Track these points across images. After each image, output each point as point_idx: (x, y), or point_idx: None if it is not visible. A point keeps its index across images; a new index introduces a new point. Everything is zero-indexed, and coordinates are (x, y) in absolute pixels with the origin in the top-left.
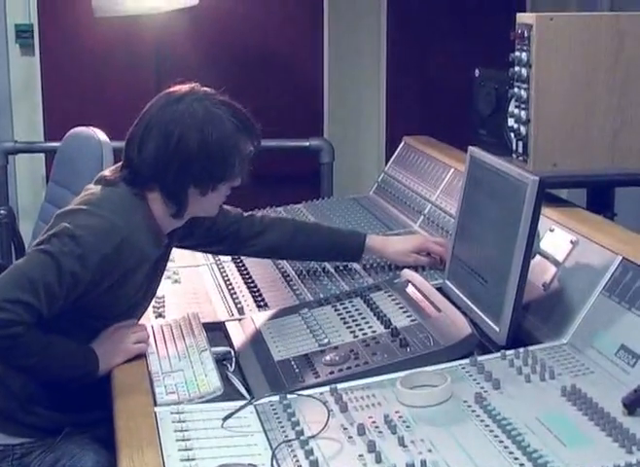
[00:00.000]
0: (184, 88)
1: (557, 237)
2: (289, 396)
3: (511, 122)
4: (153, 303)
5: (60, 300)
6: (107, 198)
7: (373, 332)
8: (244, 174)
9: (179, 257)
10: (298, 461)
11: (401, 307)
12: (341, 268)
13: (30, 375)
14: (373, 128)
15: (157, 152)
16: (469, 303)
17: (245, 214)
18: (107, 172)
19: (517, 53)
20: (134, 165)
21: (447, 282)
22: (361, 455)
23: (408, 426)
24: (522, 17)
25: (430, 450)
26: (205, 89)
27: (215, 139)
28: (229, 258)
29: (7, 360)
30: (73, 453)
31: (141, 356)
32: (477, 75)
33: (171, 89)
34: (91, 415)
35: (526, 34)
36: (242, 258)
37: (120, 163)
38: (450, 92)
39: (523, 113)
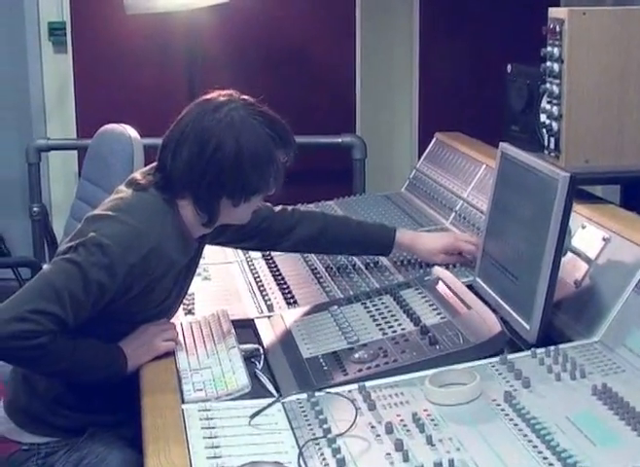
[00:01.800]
0: (222, 95)
1: (589, 234)
2: (317, 394)
3: (543, 117)
4: (183, 300)
5: (87, 309)
6: (136, 205)
7: (403, 329)
8: (278, 186)
9: (209, 254)
10: (325, 459)
11: (430, 305)
12: (372, 264)
13: (59, 379)
14: (405, 125)
15: (191, 160)
16: (499, 300)
17: (276, 209)
18: (138, 175)
19: (549, 49)
20: (167, 171)
21: (478, 279)
22: (388, 454)
23: (436, 425)
24: (554, 12)
25: (458, 449)
26: (244, 97)
27: (251, 151)
28: (259, 255)
29: (35, 369)
30: (98, 452)
31: (169, 354)
32: (509, 71)
33: (209, 97)
34: (117, 416)
35: (558, 29)
36: (272, 255)
37: (152, 165)
38: (483, 88)
39: (555, 108)
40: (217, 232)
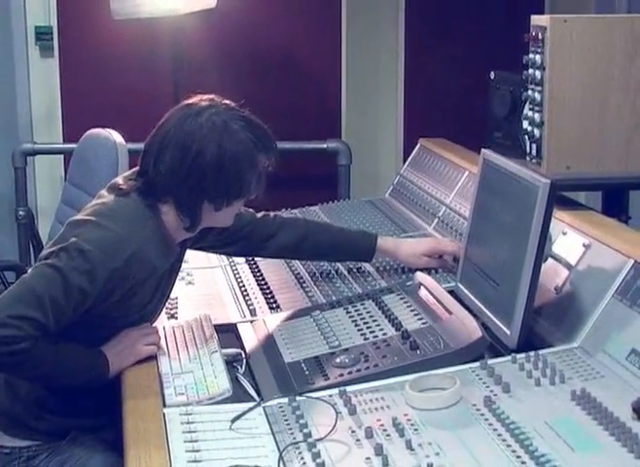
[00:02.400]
0: (204, 100)
1: (570, 241)
2: (298, 398)
3: (525, 124)
4: (166, 304)
5: (68, 314)
6: (118, 210)
7: (384, 334)
8: (260, 190)
9: (193, 258)
10: (305, 464)
11: (412, 310)
12: (354, 270)
13: (41, 383)
14: (390, 131)
15: (173, 165)
16: (480, 305)
17: (258, 215)
18: (120, 180)
19: (532, 56)
20: (149, 176)
21: (460, 285)
22: (368, 458)
23: (416, 429)
24: (537, 20)
25: (437, 454)
26: (225, 102)
27: (233, 155)
28: (242, 260)
29: (17, 374)
30: (79, 456)
31: (152, 358)
32: (492, 78)
33: (191, 101)
34: (99, 420)
35: (540, 36)
36: (256, 260)
37: (134, 170)
38: (467, 95)
39: (537, 115)
40: (199, 236)
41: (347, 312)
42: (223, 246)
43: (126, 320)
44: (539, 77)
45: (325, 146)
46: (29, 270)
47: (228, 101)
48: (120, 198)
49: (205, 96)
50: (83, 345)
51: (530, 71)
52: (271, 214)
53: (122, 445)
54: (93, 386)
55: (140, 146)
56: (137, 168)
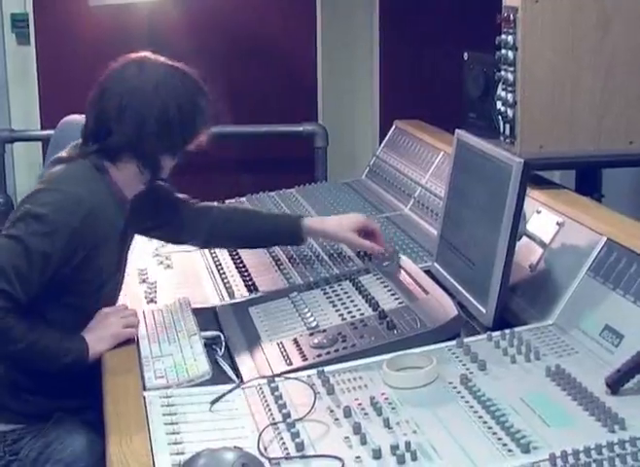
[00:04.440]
0: (138, 58)
1: (544, 219)
2: (277, 379)
3: (498, 105)
4: (145, 288)
5: (34, 281)
6: (66, 174)
7: (362, 315)
8: (208, 132)
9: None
10: (284, 444)
11: (389, 290)
12: (332, 252)
13: (20, 364)
14: (366, 113)
15: (136, 126)
16: (456, 285)
17: (187, 201)
18: (63, 153)
19: (504, 36)
20: (109, 139)
21: (436, 264)
22: (347, 437)
23: (393, 408)
24: (508, 0)
25: (415, 432)
26: (158, 56)
27: (187, 104)
28: None
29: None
30: (63, 438)
31: (131, 341)
32: (465, 58)
33: (126, 61)
34: (81, 401)
35: (512, 17)
36: None
37: (75, 143)
38: (442, 76)
39: (510, 96)
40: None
41: (325, 293)
42: (148, 230)
43: (91, 285)
44: (511, 57)
45: (301, 129)
46: None
47: (157, 55)
48: (66, 165)
49: (137, 54)
50: (57, 328)
51: (503, 52)
52: (198, 202)
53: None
54: (73, 370)
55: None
56: (80, 141)
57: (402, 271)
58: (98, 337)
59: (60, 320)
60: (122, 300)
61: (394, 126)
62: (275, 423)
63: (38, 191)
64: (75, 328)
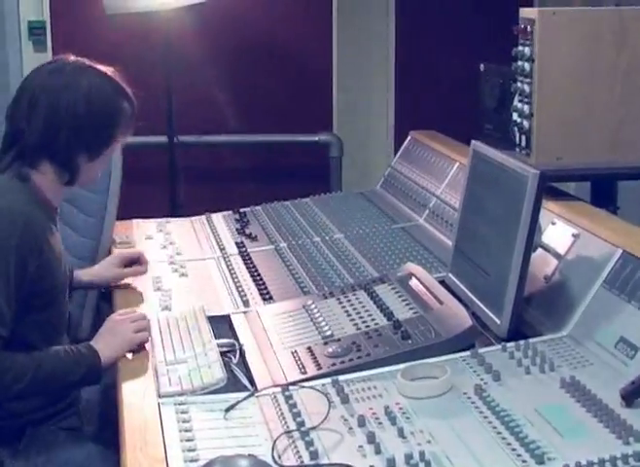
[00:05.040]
0: (55, 61)
1: (559, 231)
2: (291, 388)
3: (514, 116)
4: (159, 295)
5: (4, 310)
6: None
7: (376, 324)
8: (127, 135)
9: (186, 250)
10: (298, 452)
11: (403, 300)
12: (347, 261)
13: (33, 394)
14: (381, 123)
15: (46, 123)
16: (471, 295)
17: None
18: None
19: (520, 48)
20: (22, 142)
21: (450, 275)
22: (361, 446)
23: (407, 418)
24: (525, 12)
25: (429, 442)
26: (76, 58)
27: (100, 105)
28: (235, 251)
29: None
30: (48, 457)
31: (146, 347)
32: (482, 70)
33: (44, 64)
34: (51, 409)
35: (529, 29)
36: (249, 251)
37: None
38: (459, 87)
39: (526, 107)
40: None
41: (339, 302)
42: None
43: (51, 294)
44: (528, 69)
45: (316, 139)
46: None
47: (78, 58)
48: None
49: (55, 58)
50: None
51: (519, 63)
52: None
53: (100, 434)
54: (90, 382)
55: (134, 140)
56: (0, 145)
57: (416, 281)
58: (109, 343)
59: (38, 340)
60: (138, 307)
61: (409, 137)
62: (289, 432)
63: None
64: (49, 343)
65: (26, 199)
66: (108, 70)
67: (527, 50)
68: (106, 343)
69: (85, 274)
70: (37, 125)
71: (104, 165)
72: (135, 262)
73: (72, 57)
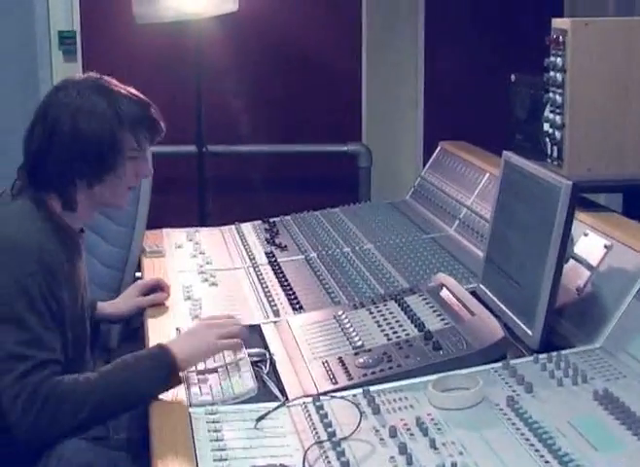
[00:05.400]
0: (79, 78)
1: (591, 242)
2: (322, 398)
3: (546, 126)
4: (189, 305)
5: (48, 336)
6: (5, 216)
7: (407, 335)
8: (141, 168)
9: (216, 260)
10: (329, 462)
11: (434, 311)
12: (377, 272)
13: (112, 414)
14: (410, 133)
15: (39, 144)
16: (502, 306)
17: None
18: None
19: (552, 59)
20: (30, 165)
21: (481, 286)
22: (392, 457)
23: (439, 429)
24: (557, 23)
25: (461, 453)
26: (99, 77)
27: (87, 132)
28: (265, 261)
29: (71, 423)
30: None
31: None
32: (513, 80)
33: (64, 82)
34: None
35: (561, 39)
36: (278, 260)
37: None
38: (488, 97)
39: (558, 118)
40: None
41: (370, 313)
42: None
43: (80, 308)
44: (560, 79)
45: (346, 148)
46: None
47: (103, 76)
48: (4, 207)
49: (82, 75)
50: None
51: (551, 74)
52: None
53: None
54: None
55: (162, 149)
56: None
57: (447, 292)
58: (192, 346)
59: (73, 356)
60: (167, 316)
61: (439, 147)
62: (321, 442)
63: None
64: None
65: (42, 226)
66: (131, 94)
67: (559, 60)
68: (183, 346)
69: (107, 307)
70: (32, 150)
71: (118, 190)
72: (155, 290)
73: (93, 76)
